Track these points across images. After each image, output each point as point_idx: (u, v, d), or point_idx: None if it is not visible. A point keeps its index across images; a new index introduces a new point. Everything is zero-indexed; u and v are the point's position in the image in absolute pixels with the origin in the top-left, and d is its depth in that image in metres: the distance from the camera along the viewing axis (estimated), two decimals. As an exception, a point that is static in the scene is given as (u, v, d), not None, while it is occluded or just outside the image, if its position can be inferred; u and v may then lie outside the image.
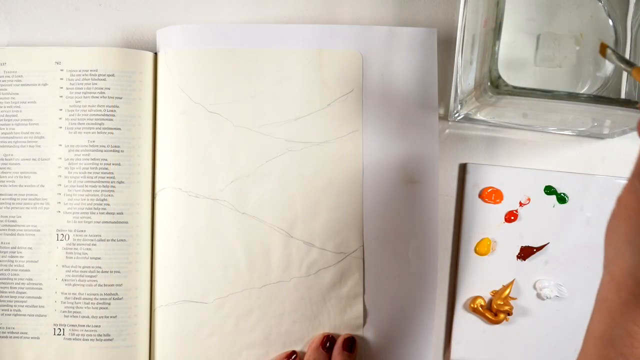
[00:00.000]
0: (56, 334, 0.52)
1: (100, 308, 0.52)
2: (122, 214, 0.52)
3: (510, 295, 0.53)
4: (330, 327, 0.53)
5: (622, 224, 0.33)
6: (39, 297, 0.52)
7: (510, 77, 0.49)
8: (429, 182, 0.53)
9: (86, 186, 0.52)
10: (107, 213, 0.52)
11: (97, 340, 0.52)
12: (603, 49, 0.47)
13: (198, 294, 0.52)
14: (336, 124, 0.53)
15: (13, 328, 0.53)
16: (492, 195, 0.53)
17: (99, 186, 0.52)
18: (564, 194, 0.53)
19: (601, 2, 0.49)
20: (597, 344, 0.33)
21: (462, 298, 0.54)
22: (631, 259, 0.32)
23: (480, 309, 0.53)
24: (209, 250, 0.52)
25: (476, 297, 0.53)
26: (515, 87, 0.41)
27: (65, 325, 0.52)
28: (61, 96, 0.53)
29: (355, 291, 0.53)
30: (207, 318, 0.52)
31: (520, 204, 0.53)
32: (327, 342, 0.51)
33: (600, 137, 0.54)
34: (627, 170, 0.53)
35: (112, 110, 0.52)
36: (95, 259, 0.52)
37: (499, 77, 0.42)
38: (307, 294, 0.52)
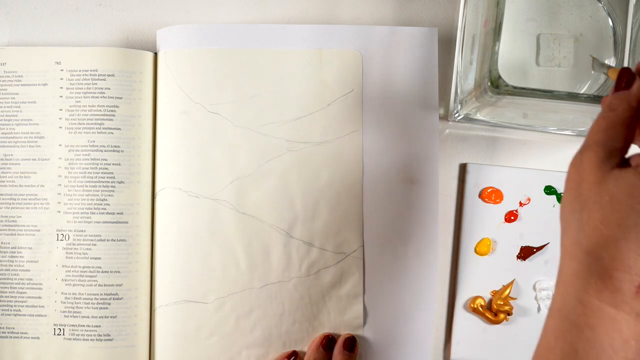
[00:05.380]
0: (56, 334, 0.52)
1: (100, 308, 0.52)
2: (122, 214, 0.52)
3: (510, 295, 0.53)
4: (330, 327, 0.53)
5: (567, 195, 0.34)
6: (39, 297, 0.52)
7: (510, 77, 0.49)
8: (429, 182, 0.53)
9: (86, 186, 0.52)
10: (107, 213, 0.52)
11: (97, 340, 0.52)
12: (594, 62, 0.48)
13: (198, 294, 0.52)
14: (336, 124, 0.53)
15: (13, 328, 0.53)
16: (492, 195, 0.53)
17: (99, 186, 0.52)
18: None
19: (601, 2, 0.49)
20: (555, 316, 0.33)
21: (462, 298, 0.54)
22: (576, 227, 0.32)
23: (480, 309, 0.53)
24: (209, 250, 0.52)
25: (476, 297, 0.53)
26: (515, 87, 0.41)
27: (65, 325, 0.52)
28: (61, 96, 0.53)
29: (355, 291, 0.53)
30: (207, 318, 0.52)
31: (520, 204, 0.53)
32: (327, 342, 0.51)
33: (600, 137, 0.54)
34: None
35: (112, 110, 0.52)
36: (95, 259, 0.52)
37: (499, 77, 0.42)
38: (307, 294, 0.52)
